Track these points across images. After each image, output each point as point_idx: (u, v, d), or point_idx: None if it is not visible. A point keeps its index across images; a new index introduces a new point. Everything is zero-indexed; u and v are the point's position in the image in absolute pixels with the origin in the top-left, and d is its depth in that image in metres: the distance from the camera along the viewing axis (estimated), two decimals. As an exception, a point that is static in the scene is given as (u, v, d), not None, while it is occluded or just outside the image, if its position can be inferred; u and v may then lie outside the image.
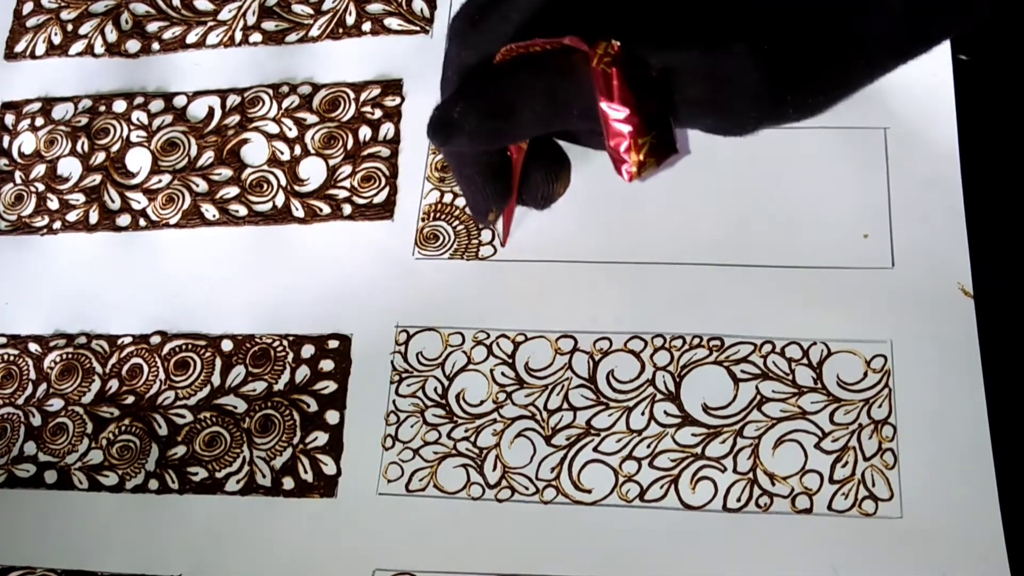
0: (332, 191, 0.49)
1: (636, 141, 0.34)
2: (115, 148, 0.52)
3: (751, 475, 0.41)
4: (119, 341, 0.48)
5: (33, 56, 0.55)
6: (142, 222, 0.50)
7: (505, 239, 0.46)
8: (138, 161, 0.51)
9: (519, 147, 0.40)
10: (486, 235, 0.46)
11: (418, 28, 0.52)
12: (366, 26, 0.52)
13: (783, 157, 0.45)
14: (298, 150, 0.50)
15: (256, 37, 0.53)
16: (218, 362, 0.46)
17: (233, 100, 0.52)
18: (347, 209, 0.48)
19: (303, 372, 0.46)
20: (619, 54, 0.33)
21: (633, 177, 0.34)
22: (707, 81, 0.33)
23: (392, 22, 0.52)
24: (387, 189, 0.48)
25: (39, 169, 0.52)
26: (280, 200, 0.49)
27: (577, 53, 0.33)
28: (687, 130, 0.45)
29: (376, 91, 0.50)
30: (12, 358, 0.49)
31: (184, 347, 0.47)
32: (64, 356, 0.48)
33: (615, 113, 0.33)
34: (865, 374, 0.41)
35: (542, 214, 0.46)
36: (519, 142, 0.40)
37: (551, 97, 0.35)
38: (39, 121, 0.53)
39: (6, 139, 0.53)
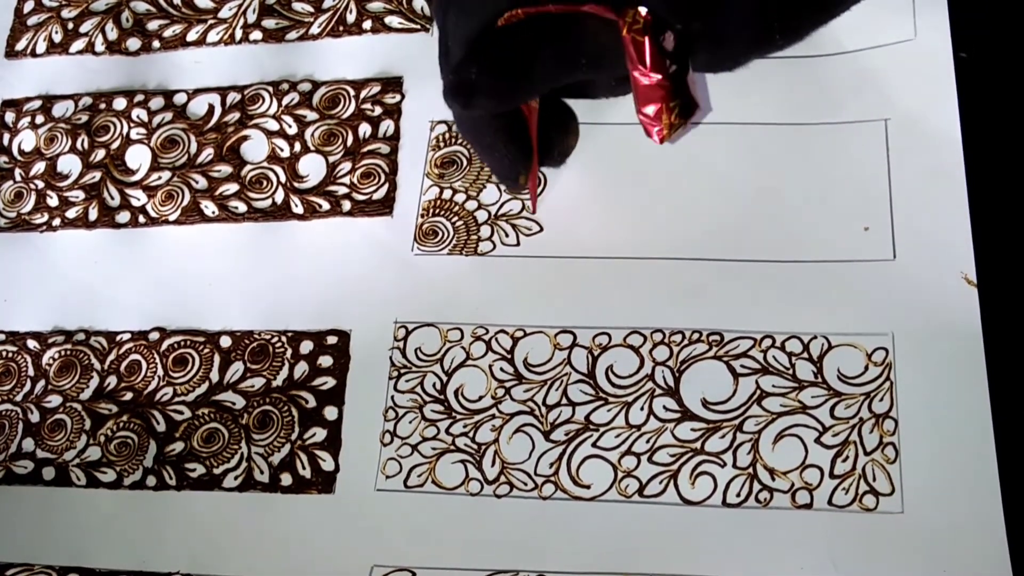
0: (332, 187, 0.49)
1: (667, 104, 0.35)
2: (115, 145, 0.52)
3: (751, 470, 0.40)
4: (118, 337, 0.48)
5: (34, 54, 0.55)
6: (141, 219, 0.50)
7: (534, 206, 0.46)
8: (138, 158, 0.51)
9: (530, 107, 0.41)
10: (485, 231, 0.46)
11: (419, 27, 0.52)
12: (366, 24, 0.52)
13: (784, 150, 0.45)
14: (298, 147, 0.50)
15: (256, 35, 0.53)
16: (216, 358, 0.46)
17: (233, 97, 0.52)
18: (346, 205, 0.48)
19: (301, 368, 0.45)
20: (648, 21, 0.34)
21: (665, 139, 0.36)
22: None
23: (393, 20, 0.52)
24: (386, 185, 0.48)
25: (39, 166, 0.52)
26: (280, 197, 0.49)
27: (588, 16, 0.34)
28: (707, 87, 0.46)
29: (376, 88, 0.50)
30: (10, 355, 0.48)
31: (182, 343, 0.47)
32: (63, 352, 0.48)
33: (647, 80, 0.35)
34: (866, 367, 0.41)
35: (541, 211, 0.46)
36: (533, 99, 0.40)
37: (559, 50, 0.36)
38: (39, 119, 0.53)
39: (6, 136, 0.53)
